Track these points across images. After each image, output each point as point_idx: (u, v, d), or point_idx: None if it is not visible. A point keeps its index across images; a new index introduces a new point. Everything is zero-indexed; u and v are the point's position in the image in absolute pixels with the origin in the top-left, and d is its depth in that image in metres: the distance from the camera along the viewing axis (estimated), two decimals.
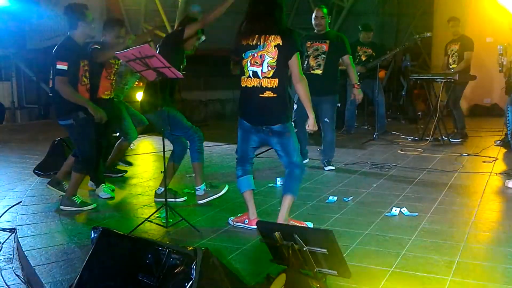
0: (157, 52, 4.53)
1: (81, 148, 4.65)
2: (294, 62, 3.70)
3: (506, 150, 7.01)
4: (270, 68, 3.67)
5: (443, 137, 7.68)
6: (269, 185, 5.35)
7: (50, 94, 4.60)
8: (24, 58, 11.91)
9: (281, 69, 3.69)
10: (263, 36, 3.69)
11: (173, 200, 4.71)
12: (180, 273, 2.43)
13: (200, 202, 4.71)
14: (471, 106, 10.72)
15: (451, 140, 7.75)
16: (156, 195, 4.84)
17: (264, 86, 3.70)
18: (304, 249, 2.55)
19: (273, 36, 3.67)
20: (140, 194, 5.27)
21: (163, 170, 4.28)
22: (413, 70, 10.02)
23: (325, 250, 2.50)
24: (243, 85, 3.80)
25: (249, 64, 3.73)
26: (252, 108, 3.81)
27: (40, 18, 10.43)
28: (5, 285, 3.40)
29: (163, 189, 4.53)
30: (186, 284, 2.35)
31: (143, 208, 4.72)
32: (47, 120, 5.14)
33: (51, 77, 4.55)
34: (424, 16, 13.08)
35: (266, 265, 3.02)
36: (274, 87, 3.69)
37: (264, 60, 3.68)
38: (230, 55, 4.15)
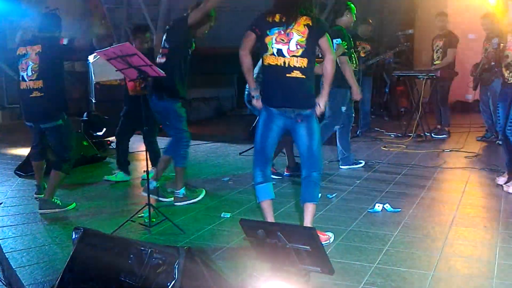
0: (165, 36, 4.65)
1: (69, 147, 4.67)
2: (325, 41, 3.47)
3: (487, 144, 7.10)
4: (299, 47, 3.41)
5: (425, 133, 7.75)
6: (253, 183, 5.33)
7: (41, 94, 4.47)
8: (5, 58, 11.72)
9: (310, 50, 3.45)
10: (292, 15, 3.44)
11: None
12: (163, 273, 2.42)
13: (177, 204, 4.70)
14: (452, 102, 10.80)
15: (433, 136, 7.83)
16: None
17: (292, 66, 3.42)
18: (288, 246, 2.55)
19: (304, 17, 3.44)
20: (122, 193, 5.24)
21: (145, 170, 4.26)
22: (396, 67, 10.07)
23: (308, 247, 2.51)
24: (265, 63, 3.52)
25: (274, 41, 3.44)
26: (278, 89, 3.50)
27: (21, 17, 10.30)
28: None
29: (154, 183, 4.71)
30: (169, 284, 2.35)
31: (126, 208, 4.69)
32: None
33: (31, 78, 4.48)
34: (407, 12, 13.10)
35: (250, 264, 3.02)
36: (303, 67, 3.42)
37: (291, 38, 3.41)
38: (249, 29, 3.55)
